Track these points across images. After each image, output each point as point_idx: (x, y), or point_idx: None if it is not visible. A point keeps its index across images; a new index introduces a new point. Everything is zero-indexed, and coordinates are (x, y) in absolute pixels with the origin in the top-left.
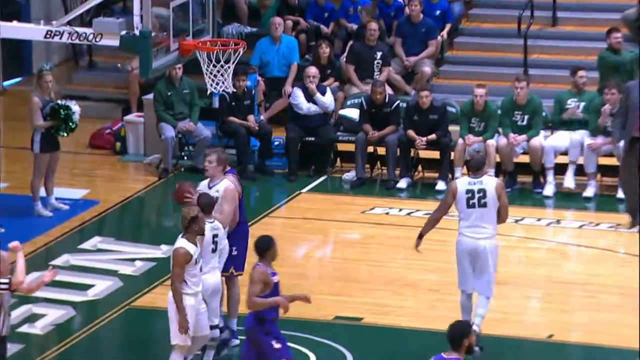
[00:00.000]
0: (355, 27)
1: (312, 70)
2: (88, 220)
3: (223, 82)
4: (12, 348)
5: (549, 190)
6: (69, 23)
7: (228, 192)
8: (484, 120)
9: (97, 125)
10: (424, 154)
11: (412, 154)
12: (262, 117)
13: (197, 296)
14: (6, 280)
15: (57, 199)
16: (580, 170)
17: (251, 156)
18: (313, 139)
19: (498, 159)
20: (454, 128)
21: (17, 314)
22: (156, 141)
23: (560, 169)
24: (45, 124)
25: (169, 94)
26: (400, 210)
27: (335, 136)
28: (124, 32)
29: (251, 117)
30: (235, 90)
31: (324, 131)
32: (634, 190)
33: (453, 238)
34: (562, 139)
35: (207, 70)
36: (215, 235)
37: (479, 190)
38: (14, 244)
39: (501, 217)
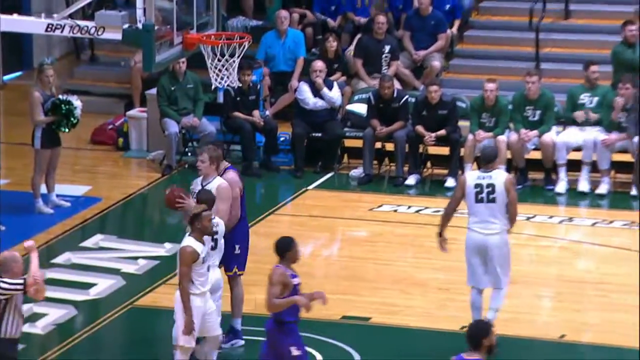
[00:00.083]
0: (362, 20)
1: (319, 64)
2: (90, 218)
3: (228, 77)
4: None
5: (561, 187)
6: (71, 16)
7: (221, 191)
8: (495, 115)
9: (99, 120)
10: (433, 150)
11: (421, 150)
12: (267, 113)
13: (204, 296)
14: (21, 281)
15: (58, 195)
16: (593, 167)
17: (256, 152)
18: (320, 134)
19: (509, 155)
20: (463, 123)
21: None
22: (159, 137)
23: (573, 166)
24: (46, 119)
25: (172, 88)
26: (409, 207)
27: (342, 132)
28: (126, 26)
29: (256, 113)
30: (240, 85)
31: (330, 127)
32: None
33: (463, 236)
34: (574, 135)
35: (212, 65)
36: (214, 233)
37: (488, 185)
38: (29, 243)
39: (510, 213)
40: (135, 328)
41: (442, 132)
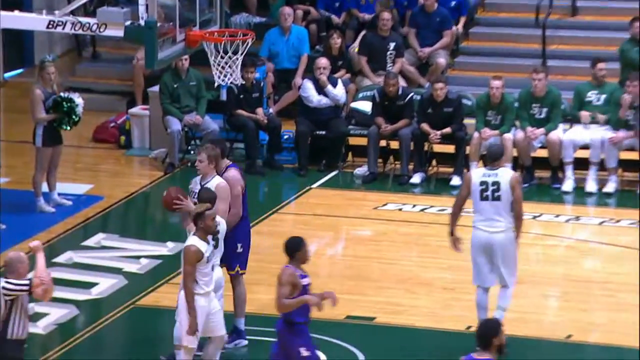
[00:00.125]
0: (367, 17)
1: (323, 61)
2: (92, 217)
3: (231, 74)
4: None
5: (567, 185)
6: (72, 13)
7: (220, 190)
8: (501, 113)
9: (101, 118)
10: (439, 148)
11: (426, 148)
12: (271, 110)
13: (208, 296)
14: (26, 282)
15: (59, 194)
16: (600, 165)
17: (260, 150)
18: (324, 132)
19: (515, 154)
20: (469, 121)
21: None
22: (162, 135)
23: (580, 164)
24: (48, 117)
25: (175, 86)
26: (414, 206)
27: (346, 130)
28: (128, 22)
29: (260, 110)
30: (243, 83)
31: (335, 124)
32: None
33: (468, 235)
34: (581, 132)
35: (215, 62)
36: (218, 232)
37: (493, 183)
38: (35, 243)
39: (515, 212)
40: (137, 328)
41: (448, 130)
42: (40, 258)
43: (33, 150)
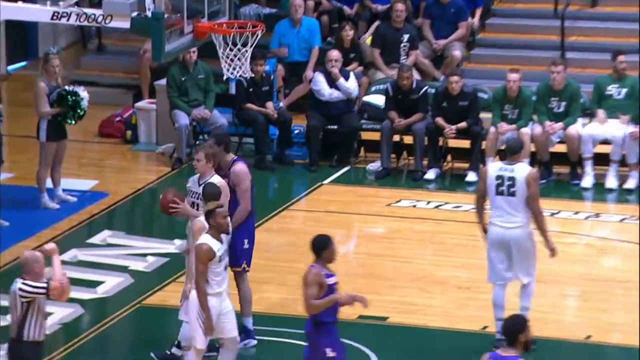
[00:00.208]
0: (380, 7)
1: (335, 54)
2: (97, 213)
3: (240, 67)
4: None
5: (587, 181)
6: (77, 4)
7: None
8: (518, 107)
9: (107, 112)
10: (454, 143)
11: (440, 143)
12: (281, 104)
13: (219, 296)
14: (44, 285)
15: (64, 190)
16: (621, 161)
17: (270, 145)
18: (335, 127)
19: (533, 149)
20: (485, 115)
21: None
22: (169, 129)
23: (599, 159)
24: (52, 111)
25: (182, 79)
26: (428, 202)
27: (359, 124)
28: (135, 14)
29: (270, 104)
30: (253, 76)
31: (347, 119)
32: None
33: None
34: (601, 127)
35: (224, 54)
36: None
37: (509, 178)
38: (51, 246)
39: (532, 209)
40: (143, 327)
41: (463, 124)
42: (57, 260)
43: (37, 145)
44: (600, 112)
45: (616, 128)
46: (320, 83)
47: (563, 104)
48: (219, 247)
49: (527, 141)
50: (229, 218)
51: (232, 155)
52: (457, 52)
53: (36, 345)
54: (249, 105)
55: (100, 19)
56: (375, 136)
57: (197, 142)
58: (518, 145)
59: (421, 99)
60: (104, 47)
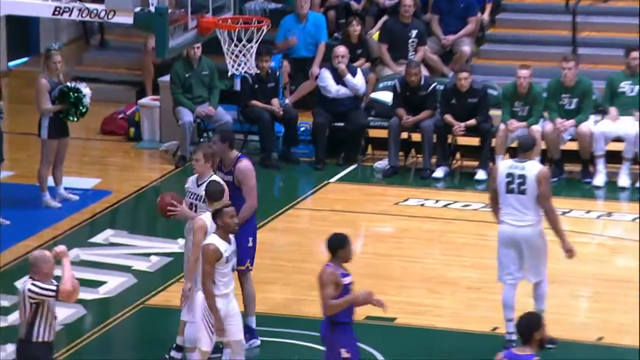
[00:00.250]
0: (388, 2)
1: (342, 49)
2: (99, 212)
3: (245, 63)
4: None
5: (599, 180)
6: None
7: None
8: (528, 104)
9: (110, 109)
10: (463, 140)
11: (449, 140)
12: (287, 101)
13: (226, 298)
14: (53, 287)
15: (66, 189)
16: (634, 159)
17: (275, 143)
18: (342, 124)
19: (544, 146)
20: (495, 112)
21: None
22: (173, 127)
23: (612, 157)
24: (54, 107)
25: (186, 75)
26: (437, 201)
27: (366, 121)
28: (138, 9)
29: (275, 101)
30: (258, 72)
31: (354, 116)
32: None
33: (493, 231)
34: (613, 124)
35: (228, 50)
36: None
37: (520, 176)
38: (61, 248)
39: (544, 209)
40: (146, 328)
41: (472, 121)
42: (67, 263)
43: (38, 142)
44: (613, 109)
45: (629, 125)
46: (326, 79)
47: (574, 100)
48: (226, 248)
49: (538, 139)
50: (236, 218)
51: (236, 152)
52: (467, 48)
53: (46, 345)
54: (254, 102)
55: (102, 14)
56: (382, 134)
57: (201, 140)
58: (530, 142)
59: (429, 96)
60: (107, 43)
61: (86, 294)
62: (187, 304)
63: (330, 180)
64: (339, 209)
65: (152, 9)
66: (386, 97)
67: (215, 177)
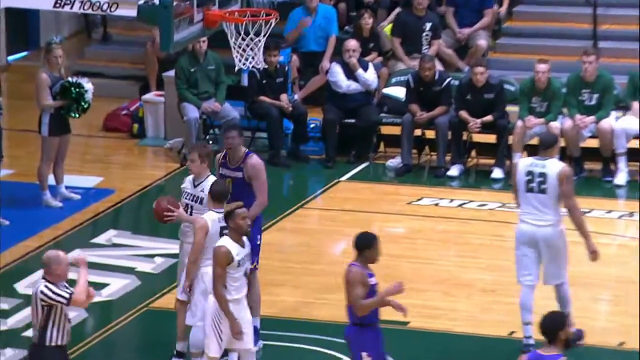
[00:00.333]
0: None
1: (353, 43)
2: (102, 212)
3: (253, 57)
4: (20, 353)
5: (620, 178)
6: None
7: None
8: (547, 99)
9: (112, 105)
10: (479, 137)
11: (464, 137)
12: (296, 97)
13: (238, 303)
14: (66, 295)
15: (67, 187)
16: None
17: (284, 140)
18: (353, 120)
19: (563, 144)
20: (512, 109)
21: (26, 315)
22: (178, 123)
23: (633, 155)
24: (55, 103)
25: (192, 70)
26: (451, 201)
27: (378, 118)
28: (142, 1)
29: (284, 97)
30: (266, 67)
31: (365, 112)
32: None
33: (510, 232)
34: (635, 120)
35: (235, 44)
36: (224, 227)
37: (540, 174)
38: (80, 256)
39: (567, 209)
40: (151, 332)
41: (489, 117)
42: (84, 271)
43: (38, 139)
44: (635, 105)
45: None
46: (337, 74)
47: (595, 96)
48: (238, 251)
49: (557, 136)
50: (248, 219)
51: (244, 148)
52: (482, 42)
53: (59, 349)
54: (262, 97)
55: (105, 6)
56: (395, 130)
57: (207, 137)
58: (552, 139)
59: (444, 91)
60: (110, 37)
61: None
62: (190, 308)
63: (341, 179)
64: (349, 208)
65: (157, 1)
66: (399, 92)
67: (213, 179)
